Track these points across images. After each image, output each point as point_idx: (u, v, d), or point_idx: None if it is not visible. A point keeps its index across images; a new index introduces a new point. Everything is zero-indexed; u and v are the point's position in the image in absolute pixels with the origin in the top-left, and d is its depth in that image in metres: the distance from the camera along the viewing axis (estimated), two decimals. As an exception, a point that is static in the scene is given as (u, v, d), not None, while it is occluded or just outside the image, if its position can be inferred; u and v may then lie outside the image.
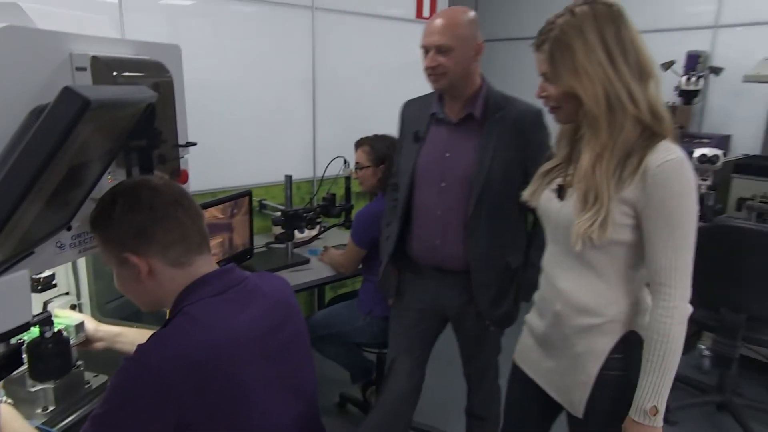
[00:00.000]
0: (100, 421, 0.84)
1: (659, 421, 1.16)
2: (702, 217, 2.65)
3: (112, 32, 1.19)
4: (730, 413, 2.61)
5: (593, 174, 1.16)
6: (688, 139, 3.29)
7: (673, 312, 1.13)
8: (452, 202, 1.72)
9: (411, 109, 1.88)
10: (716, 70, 3.30)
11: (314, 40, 2.98)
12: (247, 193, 2.34)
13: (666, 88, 3.43)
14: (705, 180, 2.61)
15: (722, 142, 3.28)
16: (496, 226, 1.72)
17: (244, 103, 2.79)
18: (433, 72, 1.65)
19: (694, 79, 3.28)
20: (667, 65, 3.33)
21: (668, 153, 1.11)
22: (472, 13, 1.68)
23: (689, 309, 1.15)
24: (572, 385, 1.28)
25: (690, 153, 2.66)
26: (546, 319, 1.34)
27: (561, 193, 1.26)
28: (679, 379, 2.82)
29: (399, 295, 1.94)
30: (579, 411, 1.28)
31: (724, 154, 2.67)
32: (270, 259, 2.60)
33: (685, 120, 3.41)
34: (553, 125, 1.39)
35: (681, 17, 3.60)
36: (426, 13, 3.39)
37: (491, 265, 1.75)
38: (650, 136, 1.14)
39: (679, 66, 3.36)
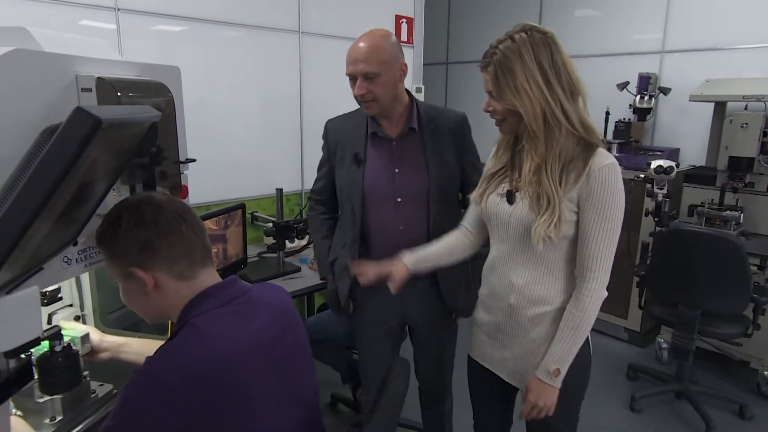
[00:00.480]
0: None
1: (559, 382, 1.28)
2: (660, 223, 2.69)
3: (113, 54, 1.15)
4: (688, 400, 2.65)
5: (541, 180, 1.23)
6: (643, 152, 3.35)
7: (593, 293, 1.24)
8: (411, 216, 1.66)
9: (339, 129, 1.75)
10: (665, 90, 3.38)
11: (301, 61, 2.97)
12: (241, 206, 2.29)
13: (622, 105, 3.51)
14: (662, 189, 2.65)
15: (672, 154, 3.35)
16: (451, 225, 1.71)
17: (235, 120, 2.76)
18: (363, 99, 1.57)
19: (646, 98, 3.35)
20: (622, 85, 3.41)
21: (607, 158, 1.22)
22: (391, 36, 1.61)
23: (605, 293, 1.26)
24: (529, 368, 1.34)
25: (648, 164, 2.72)
26: (497, 312, 1.39)
27: (510, 197, 1.31)
28: (640, 370, 2.91)
29: (360, 312, 1.80)
30: None
31: (677, 165, 2.72)
32: (263, 268, 2.55)
33: (639, 134, 3.48)
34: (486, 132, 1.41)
35: (632, 43, 3.70)
36: (404, 36, 3.41)
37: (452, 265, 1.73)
38: (587, 145, 1.23)
39: (633, 86, 3.43)
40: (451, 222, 1.72)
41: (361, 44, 1.55)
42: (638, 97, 3.37)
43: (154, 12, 2.34)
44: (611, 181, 1.20)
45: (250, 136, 2.84)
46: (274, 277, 2.43)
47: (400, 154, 1.65)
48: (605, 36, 3.78)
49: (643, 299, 2.77)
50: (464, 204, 1.80)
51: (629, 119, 3.46)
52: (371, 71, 1.52)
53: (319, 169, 1.84)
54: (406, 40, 3.42)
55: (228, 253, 2.27)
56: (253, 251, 2.62)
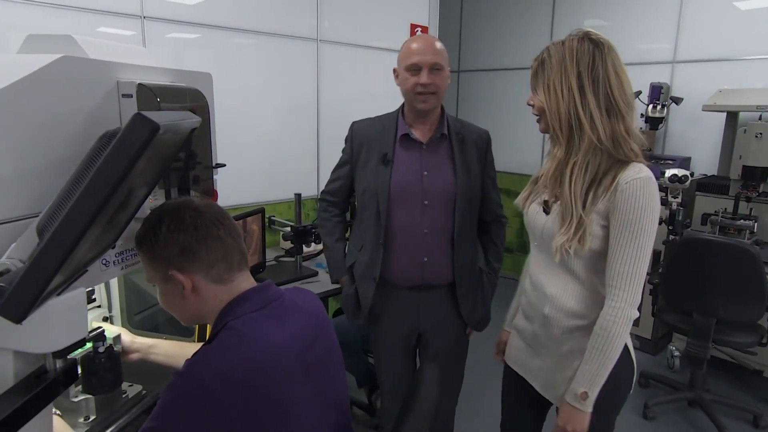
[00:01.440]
0: None
1: (588, 406, 1.20)
2: (673, 231, 2.67)
3: (151, 61, 1.15)
4: (701, 408, 2.62)
5: (564, 191, 1.21)
6: (654, 161, 3.33)
7: (619, 313, 1.17)
8: (437, 220, 1.65)
9: (366, 130, 1.73)
10: (677, 100, 3.37)
11: (318, 68, 2.98)
12: (260, 211, 2.30)
13: (634, 115, 3.50)
14: (676, 198, 2.63)
15: (684, 163, 3.34)
16: (472, 236, 1.74)
17: (254, 126, 2.77)
18: (425, 90, 1.57)
19: (658, 107, 3.34)
20: (635, 95, 3.40)
21: (638, 172, 1.17)
22: None
23: (635, 314, 1.18)
24: (560, 381, 1.31)
25: (662, 173, 2.70)
26: (535, 321, 1.36)
27: (546, 208, 1.30)
28: (653, 378, 2.87)
29: (376, 318, 1.76)
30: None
31: (692, 174, 2.71)
32: (280, 272, 2.55)
33: (651, 143, 3.47)
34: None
35: (642, 53, 3.69)
36: (418, 46, 3.41)
37: (471, 273, 1.73)
38: (619, 159, 1.19)
39: (645, 96, 3.42)
40: (472, 231, 1.73)
41: (427, 39, 1.60)
42: (650, 106, 3.36)
43: (178, 20, 2.37)
44: (640, 195, 1.14)
45: (268, 141, 2.85)
46: (291, 281, 2.43)
47: (429, 158, 1.66)
48: (617, 45, 3.78)
49: (656, 307, 2.74)
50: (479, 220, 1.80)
51: (641, 128, 3.45)
52: (439, 63, 1.57)
53: (335, 169, 1.82)
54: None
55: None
56: (270, 255, 2.63)
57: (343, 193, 1.81)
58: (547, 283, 1.31)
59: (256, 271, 2.36)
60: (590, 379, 1.19)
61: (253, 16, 2.64)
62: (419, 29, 3.39)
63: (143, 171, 0.80)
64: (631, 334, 3.17)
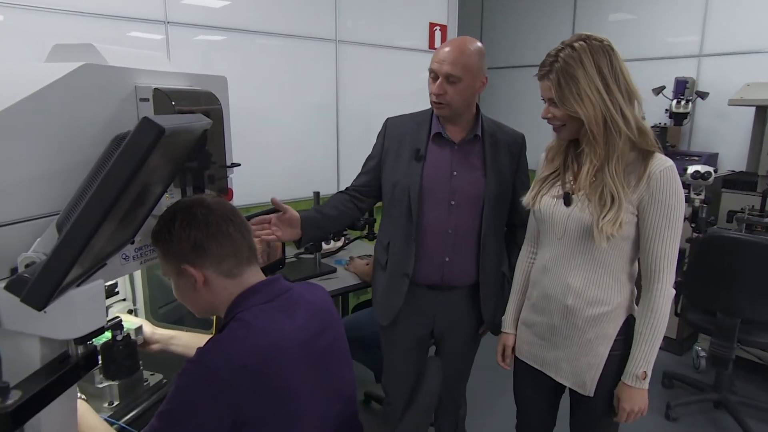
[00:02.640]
0: (166, 417, 0.84)
1: (646, 384, 1.29)
2: (697, 229, 2.62)
3: (167, 66, 1.21)
4: (727, 410, 2.56)
5: (605, 180, 1.25)
6: (679, 157, 3.26)
7: (664, 293, 1.26)
8: (463, 220, 1.64)
9: (401, 125, 1.73)
10: (702, 95, 3.29)
11: (337, 69, 3.02)
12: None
13: (658, 110, 3.43)
14: (699, 194, 2.57)
15: (710, 159, 3.25)
16: (498, 240, 1.72)
17: (274, 126, 2.84)
18: (437, 100, 1.57)
19: (683, 102, 3.27)
20: (658, 90, 3.33)
21: (666, 161, 1.25)
22: (481, 46, 1.60)
23: (673, 292, 1.28)
24: (584, 368, 1.35)
25: (684, 170, 2.65)
26: (551, 314, 1.39)
27: (567, 199, 1.33)
28: (676, 378, 2.82)
29: (397, 315, 1.74)
30: (591, 390, 1.35)
31: (715, 171, 2.64)
32: (300, 268, 2.61)
33: (675, 139, 3.39)
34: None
35: (668, 47, 3.61)
36: (437, 44, 3.43)
37: (496, 276, 1.72)
38: (642, 150, 1.25)
39: (669, 91, 3.35)
40: (498, 236, 1.71)
41: (451, 47, 1.55)
42: (675, 101, 3.29)
43: (200, 24, 2.45)
44: (673, 182, 1.23)
45: (289, 141, 2.91)
46: (310, 278, 2.48)
47: (460, 158, 1.65)
48: (640, 40, 3.70)
49: (679, 306, 2.69)
50: (507, 223, 1.78)
51: (665, 124, 3.38)
52: (454, 74, 1.52)
53: (365, 164, 1.80)
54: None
55: (267, 253, 2.34)
56: (290, 252, 2.69)
57: (368, 188, 1.76)
58: (570, 274, 1.34)
59: (276, 267, 2.42)
60: (647, 359, 1.27)
61: (272, 18, 2.71)
62: (438, 28, 3.40)
63: (157, 170, 0.86)
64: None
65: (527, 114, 4.93)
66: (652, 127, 3.39)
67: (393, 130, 1.74)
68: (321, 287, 1.14)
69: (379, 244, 1.79)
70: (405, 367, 1.82)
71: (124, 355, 1.03)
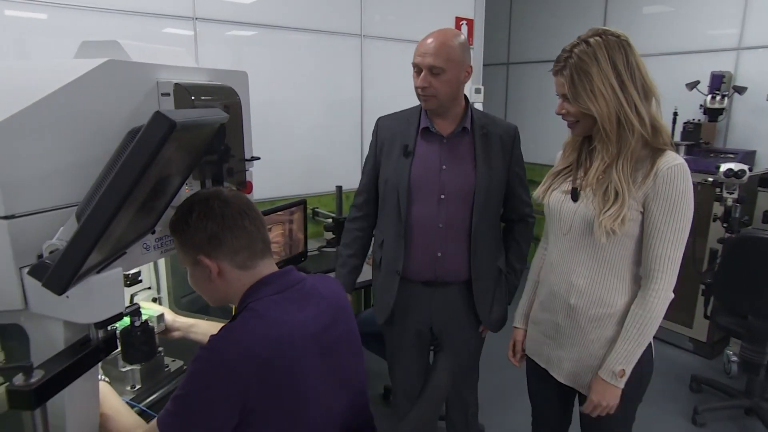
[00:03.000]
0: (179, 402, 0.88)
1: (622, 383, 1.26)
2: (729, 229, 2.53)
3: (189, 61, 1.24)
4: (758, 417, 2.47)
5: (611, 177, 1.22)
6: (714, 155, 3.15)
7: (661, 295, 1.22)
8: (453, 214, 1.62)
9: (391, 124, 1.73)
10: (740, 90, 3.15)
11: (362, 64, 3.03)
12: (302, 202, 2.40)
13: (692, 106, 3.31)
14: (731, 193, 2.48)
15: (747, 157, 3.12)
16: (491, 234, 1.69)
17: (300, 121, 2.87)
18: (423, 93, 1.57)
19: (718, 97, 3.14)
20: (692, 85, 3.21)
21: (675, 159, 1.21)
22: (463, 37, 1.58)
23: (672, 295, 1.24)
24: (586, 370, 1.34)
25: (717, 167, 2.56)
26: (557, 313, 1.38)
27: (575, 195, 1.31)
28: (705, 383, 2.74)
29: (391, 314, 1.75)
30: None
31: (750, 169, 2.54)
32: (322, 261, 2.64)
33: (710, 136, 3.27)
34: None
35: (705, 40, 3.47)
36: (463, 39, 3.39)
37: (489, 272, 1.70)
38: (654, 147, 1.22)
39: (704, 86, 3.23)
40: (491, 229, 1.69)
41: (432, 39, 1.54)
42: (709, 96, 3.16)
43: (227, 20, 2.49)
44: (680, 180, 1.19)
45: (314, 135, 2.94)
46: (332, 270, 2.50)
47: (449, 152, 1.63)
48: (676, 33, 3.57)
49: (709, 308, 2.61)
50: (503, 218, 1.79)
51: (699, 120, 3.26)
52: (437, 66, 1.51)
53: (363, 168, 1.82)
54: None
55: (290, 246, 2.38)
56: (313, 245, 2.72)
57: (369, 191, 1.78)
58: (574, 272, 1.32)
59: (298, 260, 2.46)
60: (627, 358, 1.25)
61: (298, 13, 2.73)
62: (464, 22, 3.37)
63: (174, 161, 0.88)
64: (683, 335, 3.04)
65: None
66: (685, 123, 3.29)
67: (384, 128, 1.75)
68: (335, 280, 1.16)
69: (375, 241, 1.80)
70: (406, 363, 1.82)
71: (141, 341, 1.08)
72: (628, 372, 1.25)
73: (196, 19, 2.39)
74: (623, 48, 1.20)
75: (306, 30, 2.78)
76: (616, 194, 1.20)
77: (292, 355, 0.92)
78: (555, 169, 1.40)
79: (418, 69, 1.56)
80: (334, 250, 2.66)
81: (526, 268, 1.79)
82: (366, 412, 1.11)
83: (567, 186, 1.34)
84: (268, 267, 1.03)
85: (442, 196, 1.62)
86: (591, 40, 1.21)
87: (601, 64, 1.19)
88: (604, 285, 1.29)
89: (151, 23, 2.27)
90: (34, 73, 0.95)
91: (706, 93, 3.21)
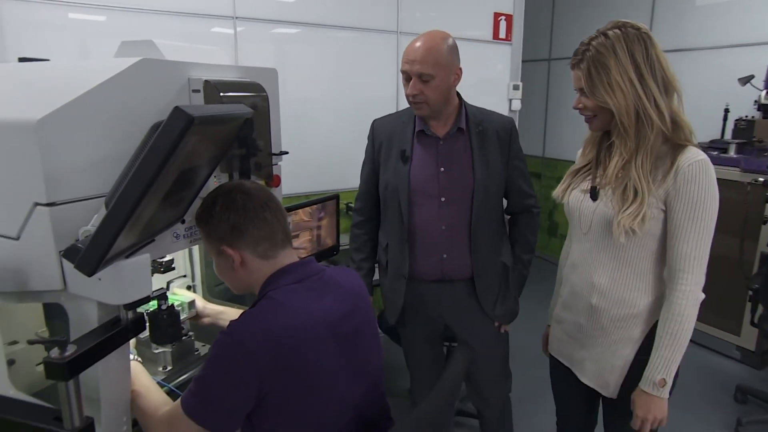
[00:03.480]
0: (200, 382, 0.93)
1: (666, 392, 1.21)
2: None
3: (222, 59, 1.30)
4: (807, 433, 2.33)
5: (630, 174, 1.19)
6: None
7: (689, 295, 1.17)
8: (455, 216, 1.63)
9: (387, 127, 1.72)
10: (801, 84, 2.96)
11: (399, 61, 3.04)
12: (335, 197, 2.44)
13: (745, 102, 3.14)
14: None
15: (806, 156, 2.93)
16: (492, 231, 1.68)
17: (336, 117, 2.92)
18: (414, 100, 1.55)
19: (775, 92, 2.96)
20: (746, 80, 3.04)
21: (697, 155, 1.17)
22: (451, 39, 1.56)
23: (702, 295, 1.19)
24: (608, 370, 1.31)
25: None
26: (579, 313, 1.36)
27: (594, 194, 1.29)
28: (752, 393, 2.60)
29: (402, 314, 1.77)
30: (614, 393, 1.31)
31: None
32: (353, 255, 2.68)
33: (764, 134, 3.09)
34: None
35: (761, 31, 3.27)
36: (502, 34, 3.35)
37: (492, 268, 1.69)
38: (675, 144, 1.18)
39: (759, 80, 3.05)
40: (492, 226, 1.68)
41: (419, 44, 1.52)
42: (765, 92, 2.98)
43: (266, 19, 2.57)
44: (703, 177, 1.15)
45: (349, 132, 2.98)
46: (363, 264, 2.55)
47: (446, 154, 1.63)
48: (729, 25, 3.39)
49: (756, 315, 2.47)
50: (507, 211, 1.78)
51: (752, 117, 3.09)
52: (426, 73, 1.50)
53: (361, 173, 1.82)
54: (504, 37, 3.36)
55: (322, 239, 2.43)
56: (345, 240, 2.76)
57: (369, 197, 1.78)
58: (596, 273, 1.30)
59: (330, 254, 2.51)
60: (666, 365, 1.20)
61: (335, 11, 2.78)
62: (503, 18, 3.32)
63: (198, 153, 0.93)
64: (730, 343, 2.93)
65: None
66: (737, 120, 3.12)
67: (380, 131, 1.74)
68: (354, 272, 1.18)
69: (380, 245, 1.81)
70: (420, 357, 1.85)
71: (167, 323, 1.14)
72: (669, 380, 1.20)
73: (236, 18, 2.47)
74: (643, 40, 1.16)
75: (343, 27, 2.82)
76: (636, 192, 1.17)
77: (307, 342, 0.96)
78: (574, 167, 1.38)
79: (407, 76, 1.55)
80: (366, 244, 2.69)
81: (535, 257, 1.80)
82: (382, 402, 1.14)
83: (586, 185, 1.32)
84: (288, 257, 1.07)
85: (443, 199, 1.63)
86: (610, 32, 1.18)
87: (619, 57, 1.16)
88: (626, 285, 1.26)
89: (196, 23, 2.38)
90: (75, 72, 1.03)
91: (761, 88, 3.03)
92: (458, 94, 1.66)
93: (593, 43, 1.19)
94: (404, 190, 1.63)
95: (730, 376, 2.86)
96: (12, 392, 1.06)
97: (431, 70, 1.50)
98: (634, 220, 1.16)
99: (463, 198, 1.62)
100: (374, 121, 1.80)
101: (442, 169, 1.62)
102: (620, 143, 1.21)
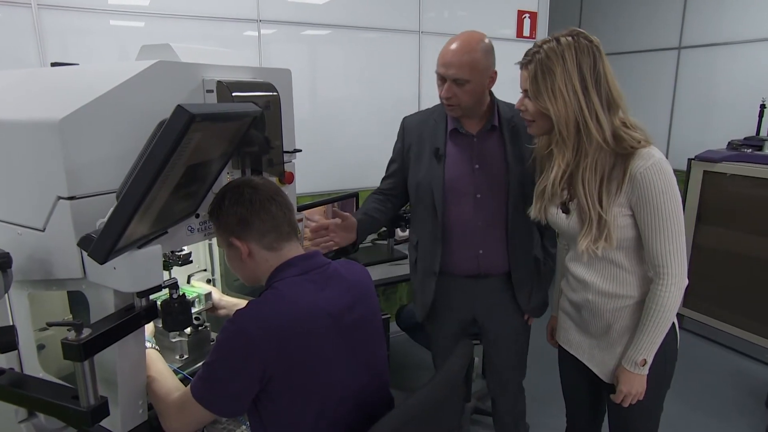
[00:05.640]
0: (207, 368, 0.98)
1: (645, 370, 1.29)
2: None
3: (236, 61, 1.35)
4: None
5: (578, 194, 1.23)
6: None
7: (670, 288, 1.22)
8: (490, 212, 1.64)
9: (418, 125, 1.72)
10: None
11: (420, 61, 3.06)
12: (354, 195, 2.48)
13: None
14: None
15: None
16: (527, 226, 1.67)
17: (358, 117, 2.96)
18: (447, 102, 1.57)
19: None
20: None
21: (647, 159, 1.18)
22: (487, 41, 1.55)
23: (684, 283, 1.23)
24: (610, 359, 1.35)
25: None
26: (580, 306, 1.39)
27: (565, 208, 1.32)
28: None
29: (432, 309, 1.78)
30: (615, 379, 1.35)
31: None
32: (374, 253, 2.72)
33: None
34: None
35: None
36: (526, 32, 3.32)
37: (526, 262, 1.70)
38: (621, 154, 1.20)
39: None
40: (526, 222, 1.64)
41: (456, 47, 1.52)
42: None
43: (291, 21, 2.63)
44: (657, 180, 1.18)
45: (371, 132, 3.01)
46: (383, 262, 2.59)
47: (480, 151, 1.64)
48: (766, 17, 3.25)
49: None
50: None
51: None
52: (461, 78, 1.51)
53: (387, 167, 1.83)
54: (528, 35, 3.32)
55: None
56: (367, 237, 2.80)
57: (395, 190, 1.80)
58: (586, 273, 1.33)
59: (350, 250, 2.54)
60: (648, 348, 1.27)
61: (357, 12, 2.82)
62: (527, 15, 3.28)
63: (206, 149, 0.97)
64: (765, 348, 2.81)
65: (628, 103, 4.59)
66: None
67: (411, 129, 1.75)
68: (360, 266, 1.21)
69: (410, 242, 1.83)
70: (448, 354, 1.84)
71: (178, 311, 1.20)
72: (650, 360, 1.27)
73: (260, 21, 2.54)
74: (593, 53, 1.17)
75: (366, 28, 2.86)
76: (590, 216, 1.21)
77: (308, 331, 0.99)
78: (538, 189, 1.38)
79: (441, 78, 1.57)
80: (385, 242, 2.73)
81: None
82: (384, 392, 1.16)
83: (557, 200, 1.34)
84: (293, 249, 1.10)
85: (478, 196, 1.64)
86: (562, 39, 1.19)
87: (566, 65, 1.16)
88: (618, 281, 1.30)
89: (224, 27, 2.47)
90: (97, 75, 1.09)
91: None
92: (491, 92, 1.67)
93: (544, 46, 1.20)
94: (439, 187, 1.64)
95: (763, 382, 2.75)
96: (42, 375, 1.14)
97: (467, 75, 1.51)
98: (595, 242, 1.21)
99: (498, 194, 1.63)
100: (404, 118, 1.81)
101: (477, 166, 1.64)
102: (558, 152, 1.24)
